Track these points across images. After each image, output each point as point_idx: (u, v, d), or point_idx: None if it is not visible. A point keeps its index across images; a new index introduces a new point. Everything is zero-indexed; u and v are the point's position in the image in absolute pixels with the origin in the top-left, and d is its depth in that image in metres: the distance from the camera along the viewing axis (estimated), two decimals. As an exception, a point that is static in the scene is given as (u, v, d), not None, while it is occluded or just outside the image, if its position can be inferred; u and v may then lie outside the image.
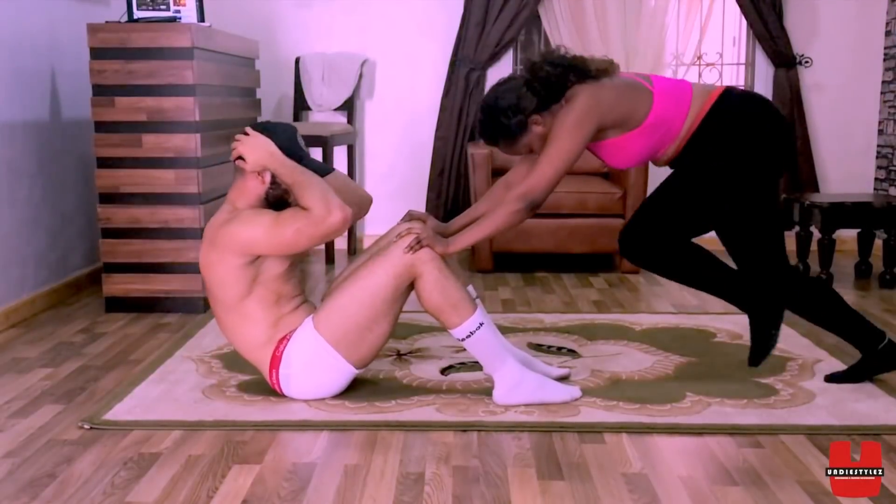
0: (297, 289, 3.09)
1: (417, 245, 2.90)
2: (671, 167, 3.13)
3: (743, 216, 3.03)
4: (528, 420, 2.87)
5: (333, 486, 2.43)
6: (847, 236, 5.53)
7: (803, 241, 5.12)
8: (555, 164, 2.92)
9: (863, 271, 5.12)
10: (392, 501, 2.34)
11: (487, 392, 3.06)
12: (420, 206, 5.97)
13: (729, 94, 3.02)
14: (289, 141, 2.97)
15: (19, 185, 4.25)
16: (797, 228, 5.15)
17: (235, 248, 2.88)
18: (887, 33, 5.88)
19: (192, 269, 4.25)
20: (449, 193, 5.91)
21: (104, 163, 4.25)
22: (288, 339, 2.97)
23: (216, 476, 2.49)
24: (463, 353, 3.51)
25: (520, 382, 3.00)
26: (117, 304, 4.34)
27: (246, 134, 2.93)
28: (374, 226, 6.05)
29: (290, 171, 2.88)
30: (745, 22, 5.93)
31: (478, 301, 3.22)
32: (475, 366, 3.27)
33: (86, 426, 2.84)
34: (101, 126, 4.22)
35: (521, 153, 3.11)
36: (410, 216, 3.21)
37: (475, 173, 5.14)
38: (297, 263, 3.13)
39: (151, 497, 2.37)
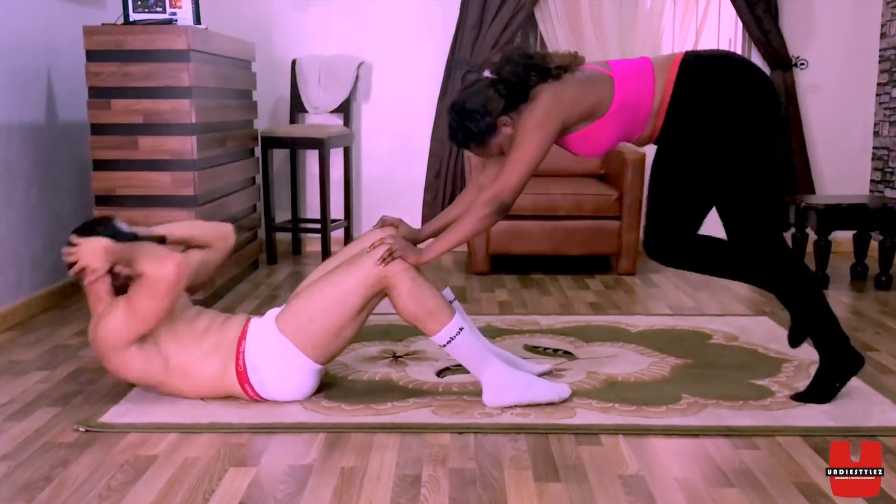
0: (205, 317, 3.09)
1: (389, 257, 2.89)
2: (657, 145, 3.07)
3: (743, 180, 2.95)
4: (525, 422, 2.87)
5: (330, 489, 2.42)
6: (843, 238, 5.55)
7: (799, 242, 5.12)
8: (520, 167, 2.89)
9: (858, 273, 5.12)
10: (388, 503, 2.35)
11: (484, 394, 3.07)
12: (417, 207, 5.98)
13: (690, 58, 2.94)
14: (113, 229, 3.00)
15: (15, 187, 4.24)
16: (793, 230, 5.15)
17: (117, 345, 2.88)
18: (882, 35, 5.89)
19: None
20: (445, 195, 5.90)
21: (100, 165, 4.25)
22: (242, 352, 2.98)
23: (212, 479, 2.48)
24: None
25: (506, 383, 3.00)
26: (114, 307, 4.32)
27: (73, 244, 2.95)
28: (369, 227, 6.05)
29: (122, 256, 2.91)
30: (740, 24, 5.94)
31: (456, 304, 3.22)
32: (472, 368, 3.28)
33: (81, 429, 2.83)
34: (97, 128, 4.21)
35: (493, 155, 3.09)
36: (383, 222, 3.23)
37: (472, 175, 5.13)
38: (183, 307, 3.11)
39: (147, 500, 2.36)
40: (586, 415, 2.93)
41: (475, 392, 3.12)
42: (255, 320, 3.07)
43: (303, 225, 6.01)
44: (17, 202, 4.26)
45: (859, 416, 2.91)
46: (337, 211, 5.96)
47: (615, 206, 5.15)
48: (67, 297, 4.66)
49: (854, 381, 3.15)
